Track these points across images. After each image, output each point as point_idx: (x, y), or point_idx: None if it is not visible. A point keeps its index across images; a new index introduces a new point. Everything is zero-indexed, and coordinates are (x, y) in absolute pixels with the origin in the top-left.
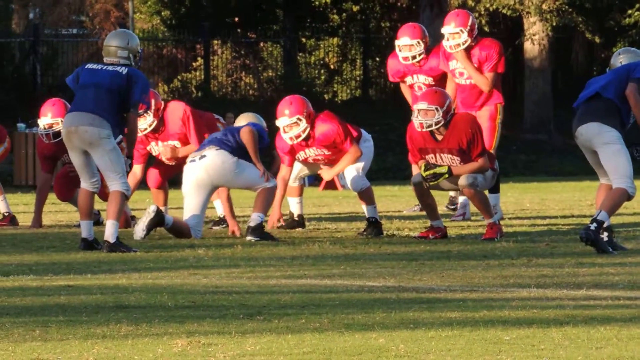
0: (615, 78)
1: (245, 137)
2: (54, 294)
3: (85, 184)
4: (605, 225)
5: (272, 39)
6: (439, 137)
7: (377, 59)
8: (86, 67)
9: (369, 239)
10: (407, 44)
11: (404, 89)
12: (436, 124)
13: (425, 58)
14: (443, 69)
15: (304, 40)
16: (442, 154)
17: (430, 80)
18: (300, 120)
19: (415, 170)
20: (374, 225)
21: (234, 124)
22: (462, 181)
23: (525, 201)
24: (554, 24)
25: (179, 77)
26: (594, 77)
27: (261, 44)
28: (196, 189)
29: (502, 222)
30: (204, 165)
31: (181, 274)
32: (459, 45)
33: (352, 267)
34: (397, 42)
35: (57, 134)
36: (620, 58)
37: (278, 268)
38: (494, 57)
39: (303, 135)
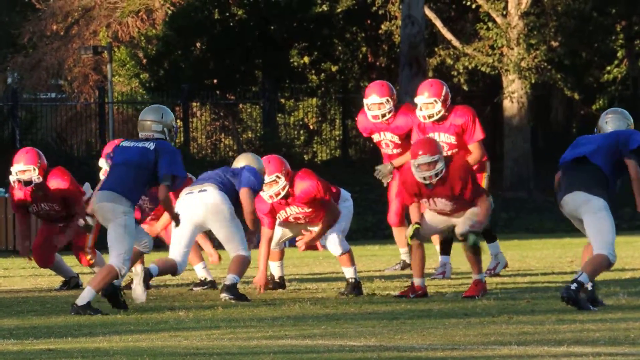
0: (605, 145)
1: (244, 197)
2: (35, 358)
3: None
4: (585, 286)
5: (251, 101)
6: (433, 183)
7: (357, 118)
8: (120, 145)
9: (350, 298)
10: (375, 102)
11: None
12: (439, 173)
13: (393, 115)
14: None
15: (283, 101)
16: (436, 199)
17: (397, 138)
18: (279, 177)
19: (412, 212)
20: (353, 285)
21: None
22: (460, 229)
23: (506, 258)
24: (533, 81)
25: None
26: (582, 136)
27: (240, 106)
28: (188, 222)
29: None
30: (203, 200)
31: (162, 336)
32: (432, 115)
33: (333, 326)
34: (365, 101)
35: (28, 182)
36: (607, 119)
37: (259, 329)
38: (470, 126)
39: (282, 193)
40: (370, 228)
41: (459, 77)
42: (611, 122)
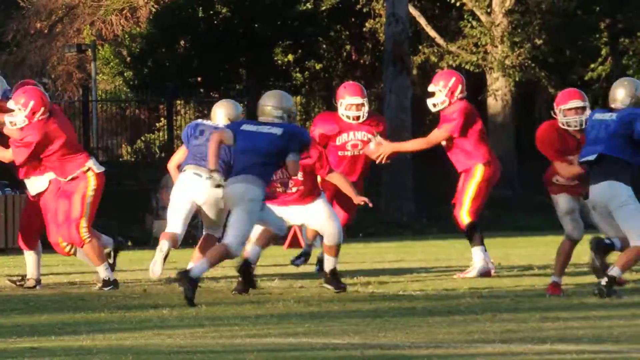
0: (619, 129)
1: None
2: (18, 356)
3: None
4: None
5: (235, 99)
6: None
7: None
8: (243, 129)
9: (334, 296)
10: (358, 103)
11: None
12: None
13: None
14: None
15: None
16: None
17: (368, 136)
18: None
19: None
20: (334, 276)
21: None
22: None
23: (490, 256)
24: (517, 79)
25: (142, 138)
26: (591, 125)
27: None
28: (188, 201)
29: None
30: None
31: (145, 334)
32: (436, 105)
33: (317, 324)
34: (346, 101)
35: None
36: (617, 90)
37: (242, 327)
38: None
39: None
40: (354, 226)
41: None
42: (622, 93)
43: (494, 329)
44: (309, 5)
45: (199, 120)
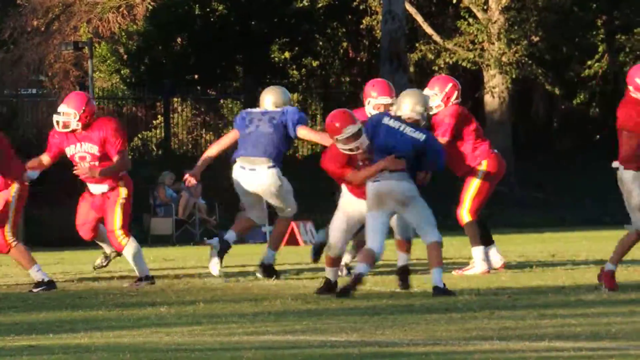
0: None
1: (306, 134)
2: (16, 355)
3: None
4: None
5: (232, 96)
6: None
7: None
8: (385, 124)
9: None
10: (387, 103)
11: None
12: None
13: None
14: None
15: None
16: None
17: None
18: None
19: None
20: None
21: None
22: None
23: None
24: (514, 76)
25: (139, 136)
26: None
27: (221, 101)
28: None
29: (460, 273)
30: (255, 180)
31: (143, 332)
32: (431, 108)
33: (314, 322)
34: (375, 101)
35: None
36: None
37: (240, 325)
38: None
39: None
40: None
41: (440, 72)
42: None
43: (492, 326)
44: (305, 3)
45: (248, 109)
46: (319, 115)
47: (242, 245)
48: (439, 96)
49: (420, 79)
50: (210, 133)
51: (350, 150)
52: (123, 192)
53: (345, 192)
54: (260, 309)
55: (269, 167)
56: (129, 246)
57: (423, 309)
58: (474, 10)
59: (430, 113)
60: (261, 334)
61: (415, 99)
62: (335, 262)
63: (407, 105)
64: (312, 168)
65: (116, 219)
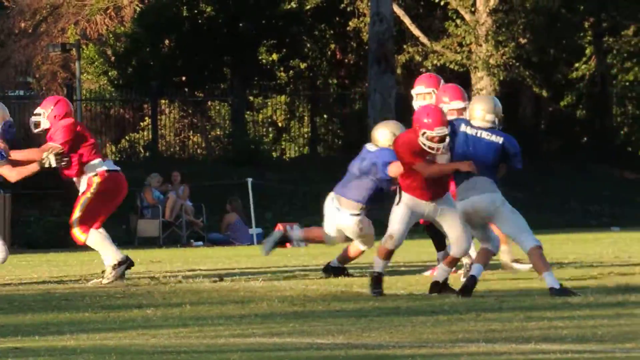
0: None
1: (396, 172)
2: (2, 357)
3: None
4: None
5: (219, 98)
6: None
7: (325, 116)
8: (461, 131)
9: (317, 296)
10: (460, 108)
11: None
12: None
13: None
14: None
15: (251, 98)
16: None
17: None
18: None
19: None
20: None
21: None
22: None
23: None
24: (501, 78)
25: (127, 138)
26: None
27: (209, 103)
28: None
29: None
30: (337, 220)
31: (129, 334)
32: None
33: (301, 324)
34: (449, 106)
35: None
36: None
37: (226, 327)
38: None
39: None
40: None
41: (425, 73)
42: None
43: (478, 329)
44: (293, 5)
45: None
46: (306, 117)
47: (228, 247)
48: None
49: (408, 80)
50: (198, 135)
51: (431, 148)
52: (92, 188)
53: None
54: (247, 311)
55: None
56: (91, 236)
57: (409, 311)
58: (462, 12)
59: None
60: (247, 336)
61: (487, 105)
62: (389, 255)
63: (478, 112)
64: (299, 171)
65: (76, 212)
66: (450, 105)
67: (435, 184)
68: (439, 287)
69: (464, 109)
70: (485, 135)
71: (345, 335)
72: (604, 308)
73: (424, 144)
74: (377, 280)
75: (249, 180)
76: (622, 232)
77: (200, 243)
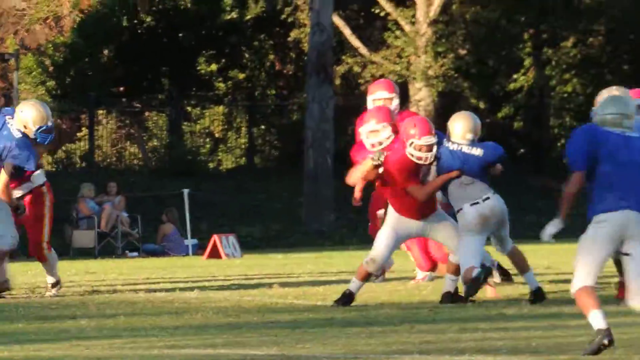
0: None
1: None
2: None
3: None
4: None
5: (157, 108)
6: None
7: (263, 126)
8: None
9: (252, 307)
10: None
11: None
12: None
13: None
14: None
15: (189, 109)
16: None
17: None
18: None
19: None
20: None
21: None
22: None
23: (410, 266)
24: (440, 89)
25: (63, 148)
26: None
27: (146, 113)
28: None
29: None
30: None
31: (63, 345)
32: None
33: (235, 335)
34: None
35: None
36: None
37: (160, 338)
38: None
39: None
40: (274, 236)
41: (366, 85)
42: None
43: (412, 340)
44: (233, 15)
45: None
46: (243, 128)
47: (164, 258)
48: (397, 98)
49: (346, 91)
50: (135, 145)
51: (419, 158)
52: (47, 202)
53: (391, 210)
54: (181, 323)
55: None
56: (53, 252)
57: (344, 322)
58: (402, 23)
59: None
60: (181, 347)
61: (467, 124)
62: (367, 277)
63: (458, 130)
64: (236, 182)
65: (45, 231)
66: (375, 96)
67: (426, 203)
68: (451, 297)
69: (390, 99)
70: (466, 149)
71: (279, 347)
72: (539, 319)
73: (412, 155)
74: (347, 297)
75: (185, 191)
76: (557, 243)
77: (136, 254)
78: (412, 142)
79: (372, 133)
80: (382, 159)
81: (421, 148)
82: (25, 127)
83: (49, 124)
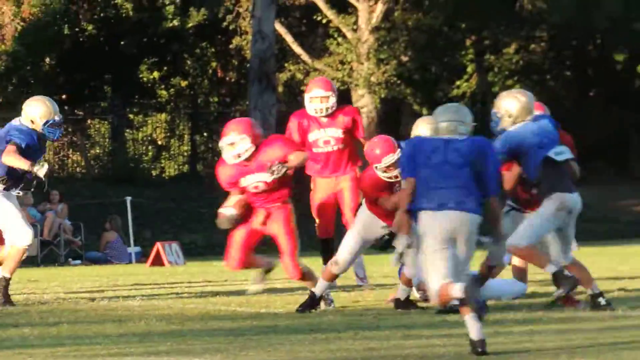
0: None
1: None
2: None
3: None
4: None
5: (99, 116)
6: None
7: (205, 134)
8: None
9: (195, 315)
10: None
11: None
12: None
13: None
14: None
15: (131, 116)
16: None
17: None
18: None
19: None
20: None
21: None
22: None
23: (351, 273)
24: (382, 96)
25: None
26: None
27: (89, 121)
28: None
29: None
30: None
31: (5, 353)
32: (327, 109)
33: (179, 343)
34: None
35: None
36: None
37: (104, 346)
38: (359, 121)
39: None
40: (218, 244)
41: None
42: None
43: (356, 347)
44: (175, 23)
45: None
46: (186, 135)
47: (107, 265)
48: (334, 96)
49: (289, 98)
50: (78, 153)
51: (390, 178)
52: None
53: (360, 216)
54: (124, 330)
55: None
56: None
57: (287, 329)
58: (344, 30)
59: (322, 114)
60: (125, 355)
61: (430, 126)
62: (333, 278)
63: (423, 131)
64: (179, 189)
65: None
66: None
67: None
68: (402, 303)
69: (326, 97)
70: None
71: (223, 354)
72: (482, 326)
73: (384, 177)
74: (311, 301)
75: (128, 198)
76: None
77: (79, 262)
78: (376, 166)
79: (231, 145)
80: (282, 171)
81: (387, 169)
82: (32, 122)
83: (57, 118)
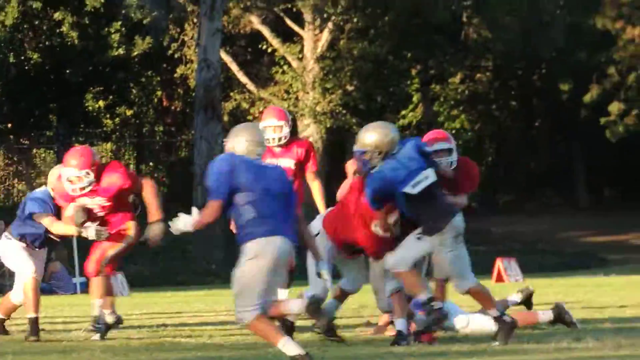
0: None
1: None
2: None
3: None
4: None
5: (45, 145)
6: None
7: (151, 163)
8: None
9: (141, 345)
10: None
11: None
12: None
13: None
14: None
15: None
16: None
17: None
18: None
19: None
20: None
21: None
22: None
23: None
24: (328, 125)
25: None
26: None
27: (34, 150)
28: None
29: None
30: None
31: None
32: (280, 139)
33: None
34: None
35: None
36: None
37: None
38: (311, 155)
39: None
40: (163, 274)
41: (254, 121)
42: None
43: None
44: (120, 51)
45: None
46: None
47: (52, 296)
48: (288, 126)
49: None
50: (23, 183)
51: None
52: None
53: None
54: None
55: None
56: None
57: None
58: (289, 59)
59: (278, 143)
60: None
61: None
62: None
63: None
64: None
65: None
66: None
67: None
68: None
69: (279, 127)
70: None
71: None
72: (427, 357)
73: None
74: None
75: None
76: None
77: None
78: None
79: (75, 178)
80: (84, 218)
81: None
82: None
83: None
